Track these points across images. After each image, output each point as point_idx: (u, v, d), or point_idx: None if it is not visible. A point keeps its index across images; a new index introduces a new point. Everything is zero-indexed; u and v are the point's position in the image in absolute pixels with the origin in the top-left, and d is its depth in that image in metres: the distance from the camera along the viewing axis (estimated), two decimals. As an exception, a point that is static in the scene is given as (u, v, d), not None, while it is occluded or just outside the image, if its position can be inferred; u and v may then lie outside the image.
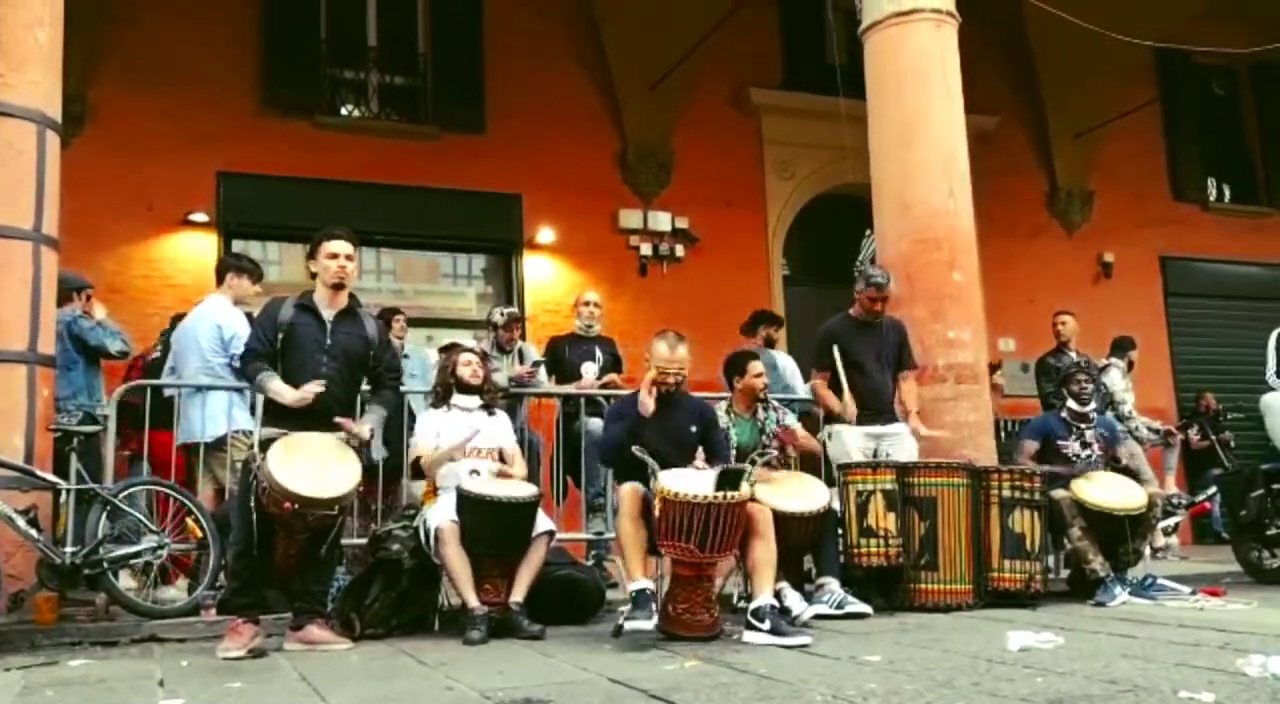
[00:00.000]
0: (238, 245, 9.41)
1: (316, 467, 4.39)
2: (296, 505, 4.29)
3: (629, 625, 4.22)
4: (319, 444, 4.48)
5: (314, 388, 4.50)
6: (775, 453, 5.64)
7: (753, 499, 4.66)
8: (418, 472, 5.36)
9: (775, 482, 5.36)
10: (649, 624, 4.24)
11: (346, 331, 4.74)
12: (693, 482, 4.51)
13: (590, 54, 10.79)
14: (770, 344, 7.69)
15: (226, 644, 4.32)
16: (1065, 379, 6.67)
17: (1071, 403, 6.49)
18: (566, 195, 10.41)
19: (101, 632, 4.88)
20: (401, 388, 5.58)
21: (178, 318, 6.67)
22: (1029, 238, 12.25)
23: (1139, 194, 12.84)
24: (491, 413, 5.47)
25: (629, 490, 4.70)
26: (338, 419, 4.62)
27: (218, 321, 6.00)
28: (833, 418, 6.22)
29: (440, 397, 5.49)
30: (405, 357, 7.33)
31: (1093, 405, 6.52)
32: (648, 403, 4.99)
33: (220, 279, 6.32)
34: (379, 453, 5.60)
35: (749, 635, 4.39)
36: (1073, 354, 8.53)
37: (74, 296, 6.18)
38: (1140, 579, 5.96)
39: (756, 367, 5.84)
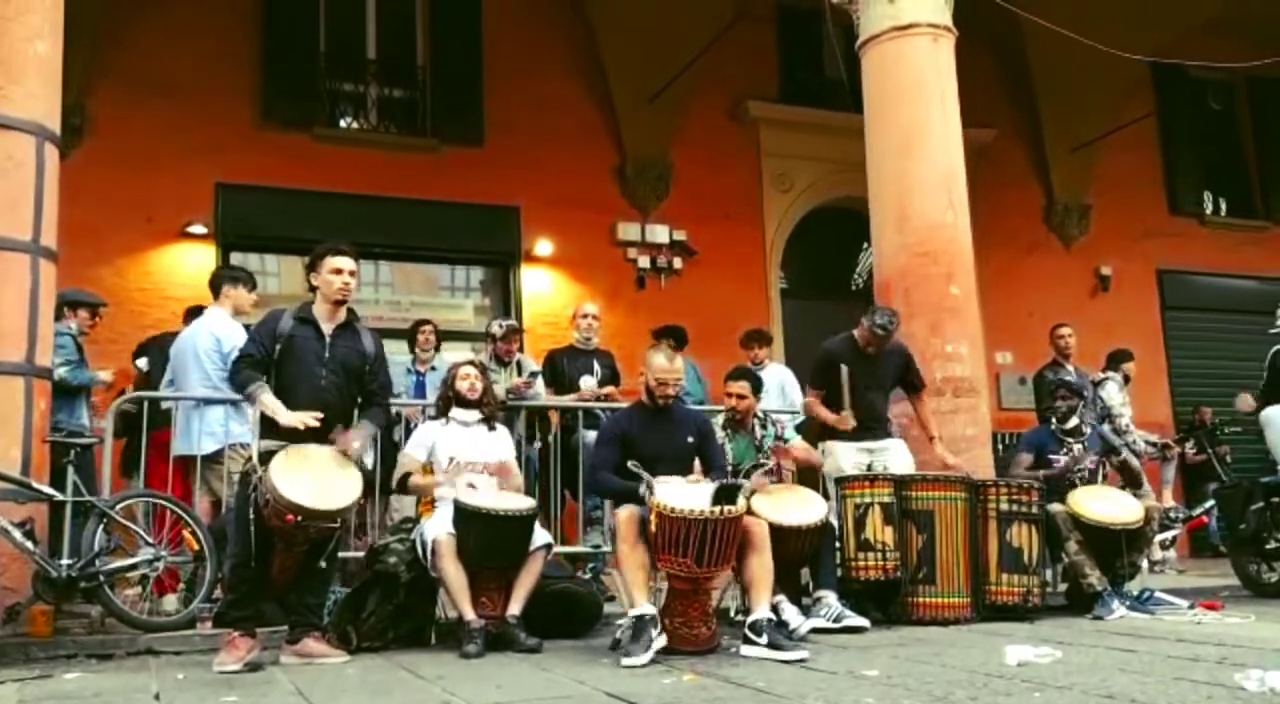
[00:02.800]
0: (236, 257, 9.38)
1: (319, 478, 4.39)
2: (300, 518, 4.29)
3: (625, 661, 4.18)
4: (320, 456, 4.48)
5: (309, 419, 4.48)
6: (771, 464, 5.63)
7: (749, 512, 4.66)
8: (403, 486, 5.35)
9: (772, 493, 5.36)
10: (644, 659, 4.18)
11: (345, 345, 4.75)
12: (688, 496, 4.50)
13: (589, 67, 10.81)
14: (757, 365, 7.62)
15: (223, 657, 4.32)
16: (1049, 396, 6.73)
17: (1055, 417, 6.52)
18: (564, 208, 10.41)
19: (97, 645, 4.87)
20: (393, 407, 5.62)
21: (147, 342, 6.81)
22: (1026, 251, 12.26)
23: (1136, 207, 12.86)
24: (491, 427, 5.48)
25: (626, 516, 4.66)
26: (334, 434, 4.60)
27: (216, 334, 6.00)
28: (826, 434, 6.21)
29: (440, 410, 5.51)
30: (433, 369, 7.36)
31: (1074, 421, 6.51)
32: None
33: (215, 292, 6.32)
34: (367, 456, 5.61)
35: (746, 649, 4.39)
36: (1070, 367, 8.53)
37: (65, 312, 6.20)
38: (1138, 593, 5.96)
39: (733, 386, 5.79)
